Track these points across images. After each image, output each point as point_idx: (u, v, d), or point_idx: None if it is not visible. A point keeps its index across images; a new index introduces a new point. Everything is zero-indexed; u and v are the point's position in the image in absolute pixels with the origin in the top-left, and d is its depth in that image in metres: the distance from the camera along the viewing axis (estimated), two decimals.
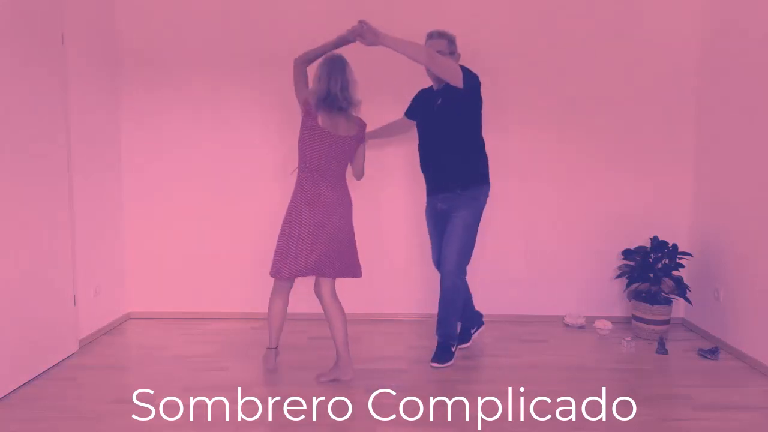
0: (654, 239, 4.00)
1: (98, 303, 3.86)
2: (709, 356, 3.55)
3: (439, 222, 3.46)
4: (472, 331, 3.75)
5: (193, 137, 4.16)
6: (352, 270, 3.22)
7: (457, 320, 3.48)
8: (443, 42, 3.26)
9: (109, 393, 3.01)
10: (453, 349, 3.45)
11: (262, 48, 4.09)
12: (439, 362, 3.38)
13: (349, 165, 3.18)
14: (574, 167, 4.17)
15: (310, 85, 3.10)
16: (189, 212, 4.21)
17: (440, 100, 3.29)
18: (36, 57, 3.18)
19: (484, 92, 4.04)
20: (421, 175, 3.52)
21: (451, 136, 3.29)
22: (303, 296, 4.28)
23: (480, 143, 3.39)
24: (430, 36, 3.29)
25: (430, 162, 3.41)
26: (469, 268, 4.21)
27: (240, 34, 4.09)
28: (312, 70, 3.13)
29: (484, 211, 4.18)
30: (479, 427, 2.67)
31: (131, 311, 4.30)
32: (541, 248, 4.23)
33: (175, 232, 4.23)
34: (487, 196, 3.43)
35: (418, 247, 4.17)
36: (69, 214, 3.48)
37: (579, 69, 4.09)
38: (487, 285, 4.24)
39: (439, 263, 3.52)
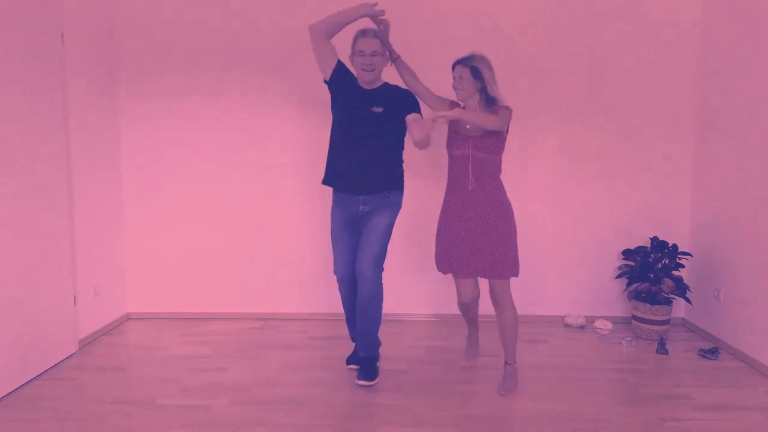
0: (654, 239, 4.00)
1: (98, 303, 3.86)
2: (709, 356, 3.55)
3: (355, 225, 3.19)
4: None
5: (193, 137, 4.16)
6: None
7: (377, 330, 3.23)
8: (378, 42, 3.07)
9: (109, 393, 3.01)
10: (378, 363, 3.28)
11: (262, 48, 4.09)
12: (366, 380, 3.12)
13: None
14: (573, 167, 4.16)
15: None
16: (189, 212, 4.21)
17: (381, 109, 3.07)
18: (36, 57, 3.18)
19: None
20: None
21: (384, 143, 3.12)
22: (304, 296, 4.29)
23: (402, 151, 3.25)
24: (364, 34, 3.08)
25: (358, 162, 3.11)
26: None
27: (240, 34, 4.09)
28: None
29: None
30: (479, 428, 2.67)
31: (131, 311, 4.30)
32: (541, 248, 4.23)
33: (175, 232, 4.23)
34: (401, 201, 3.28)
35: (416, 248, 4.16)
36: (69, 214, 3.48)
37: (579, 68, 4.09)
38: (488, 285, 4.23)
39: (349, 270, 3.22)
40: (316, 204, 4.11)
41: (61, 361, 3.42)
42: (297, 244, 4.22)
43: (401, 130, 3.18)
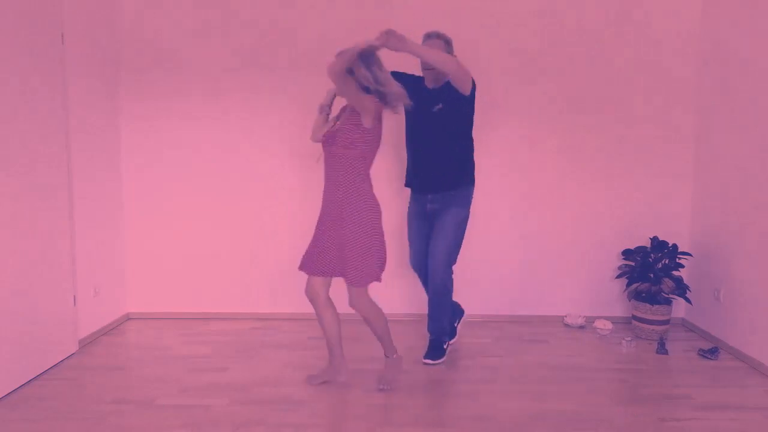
0: (654, 239, 4.00)
1: (98, 303, 3.86)
2: (709, 356, 3.55)
3: (425, 222, 3.44)
4: (455, 324, 3.74)
5: (193, 137, 4.16)
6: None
7: (448, 317, 3.50)
8: (440, 43, 3.23)
9: (109, 393, 3.01)
10: (445, 347, 3.48)
11: (262, 49, 4.09)
12: (432, 359, 3.41)
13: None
14: (574, 167, 4.17)
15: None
16: (189, 212, 4.21)
17: (441, 105, 3.25)
18: (36, 57, 3.18)
19: (483, 92, 4.04)
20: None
21: (448, 140, 3.31)
22: (304, 296, 4.28)
23: (472, 146, 3.43)
24: (428, 36, 3.25)
25: (424, 162, 3.38)
26: (469, 269, 4.23)
27: (240, 34, 4.09)
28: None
29: (485, 212, 4.21)
30: (479, 428, 2.67)
31: (131, 311, 4.30)
32: (541, 248, 4.23)
33: (175, 232, 4.23)
34: (472, 195, 3.47)
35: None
36: (69, 214, 3.48)
37: (579, 68, 4.09)
38: (488, 285, 4.24)
39: (419, 263, 3.53)
40: (316, 204, 4.09)
41: (61, 361, 3.42)
42: (297, 244, 4.21)
43: (463, 124, 3.32)
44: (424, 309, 4.26)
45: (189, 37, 4.09)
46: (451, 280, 3.43)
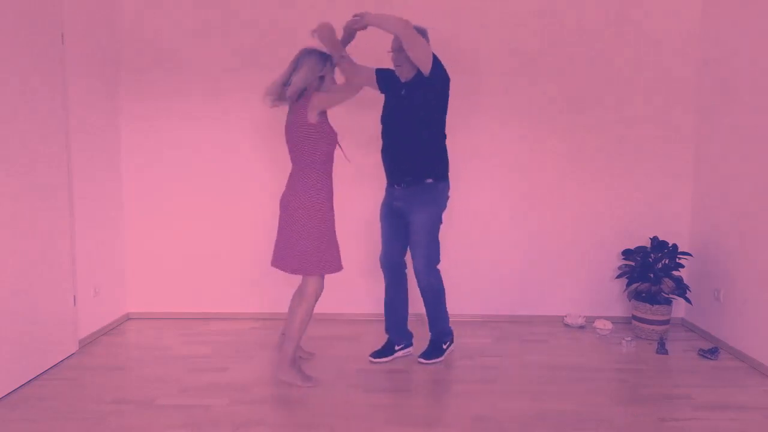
0: (654, 239, 4.00)
1: (98, 303, 3.86)
2: (709, 356, 3.55)
3: (394, 219, 3.37)
4: (396, 348, 3.50)
5: (193, 137, 4.16)
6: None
7: (445, 317, 3.47)
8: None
9: (109, 393, 3.01)
10: (444, 347, 3.47)
11: (262, 49, 4.09)
12: (425, 358, 3.41)
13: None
14: (574, 167, 4.17)
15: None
16: (189, 212, 4.21)
17: (404, 91, 3.23)
18: (36, 57, 3.18)
19: (483, 92, 4.04)
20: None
21: (411, 127, 3.21)
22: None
23: (440, 139, 3.30)
24: None
25: (391, 150, 3.31)
26: (470, 269, 4.23)
27: (240, 34, 4.09)
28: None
29: (485, 212, 4.21)
30: (479, 428, 2.67)
31: (131, 311, 4.30)
32: (541, 248, 4.23)
33: (175, 232, 4.23)
34: (446, 195, 3.35)
35: None
36: (69, 215, 3.48)
37: (579, 68, 4.09)
38: (488, 285, 4.24)
39: (386, 262, 3.44)
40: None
41: (61, 361, 3.42)
42: None
43: (427, 113, 3.23)
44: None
45: (189, 37, 4.09)
46: (438, 279, 3.39)
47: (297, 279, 3.24)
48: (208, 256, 4.24)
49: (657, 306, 3.84)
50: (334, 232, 3.11)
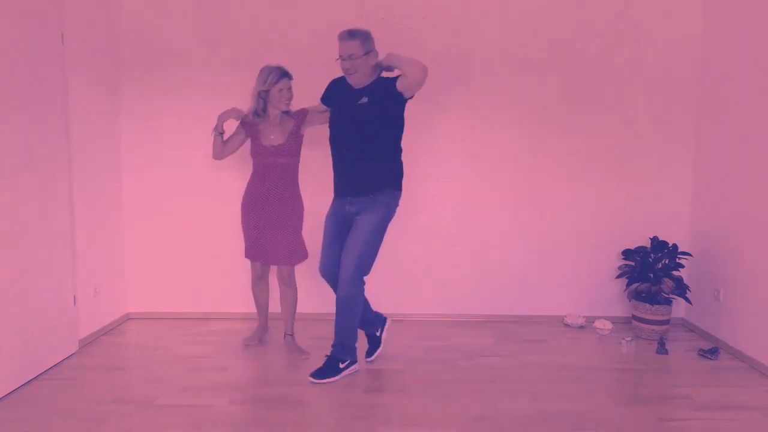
0: (654, 239, 4.00)
1: (98, 303, 3.86)
2: (709, 356, 3.55)
3: (343, 226, 3.19)
4: (378, 334, 3.48)
5: (194, 137, 4.15)
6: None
7: (354, 332, 3.22)
8: (356, 43, 3.01)
9: (109, 393, 3.01)
10: (342, 366, 3.17)
11: (262, 48, 4.08)
12: (317, 378, 3.10)
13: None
14: (574, 167, 4.17)
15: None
16: (189, 212, 4.21)
17: (366, 99, 3.06)
18: (36, 57, 3.18)
19: (484, 93, 4.04)
20: None
21: (371, 138, 3.09)
22: (304, 296, 4.28)
23: (398, 149, 3.20)
24: (341, 37, 3.04)
25: (345, 162, 3.16)
26: (470, 269, 4.23)
27: (240, 34, 4.09)
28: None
29: (487, 211, 4.21)
30: (479, 428, 2.67)
31: (131, 311, 4.30)
32: (541, 248, 4.23)
33: (175, 232, 4.23)
34: (397, 203, 3.22)
35: (418, 247, 4.17)
36: (69, 214, 3.48)
37: (579, 68, 4.09)
38: (488, 285, 4.24)
39: (328, 271, 3.26)
40: (316, 204, 4.10)
41: (61, 361, 3.42)
42: None
43: (391, 123, 3.12)
44: (429, 309, 4.28)
45: (189, 37, 4.09)
46: (361, 292, 3.15)
47: (300, 280, 3.24)
48: (208, 256, 4.24)
49: (657, 306, 3.84)
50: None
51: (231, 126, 3.52)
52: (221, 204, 4.20)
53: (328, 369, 3.15)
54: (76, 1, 3.58)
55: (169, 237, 4.23)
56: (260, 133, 3.44)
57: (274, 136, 3.41)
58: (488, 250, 4.22)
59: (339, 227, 3.22)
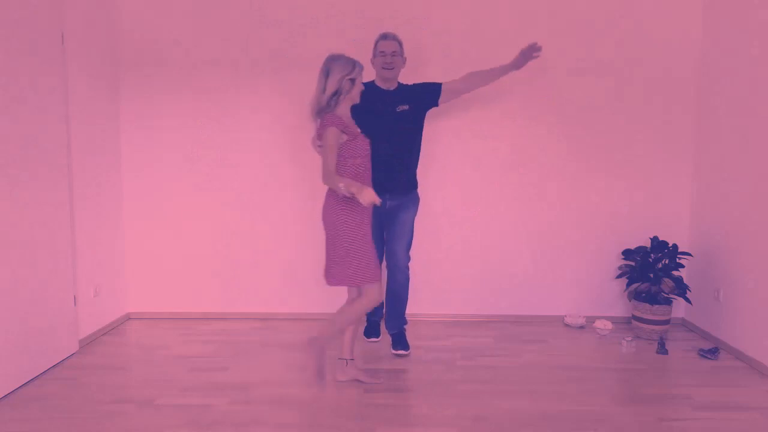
0: (654, 239, 4.00)
1: (98, 303, 3.86)
2: (709, 356, 3.55)
3: (383, 219, 3.48)
4: (381, 324, 3.85)
5: (194, 137, 4.16)
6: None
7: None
8: (396, 43, 3.38)
9: (109, 393, 3.01)
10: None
11: (262, 48, 4.09)
12: (404, 349, 3.55)
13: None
14: (574, 167, 4.17)
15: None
16: (189, 212, 4.21)
17: (407, 106, 3.38)
18: (36, 57, 3.18)
19: (484, 94, 4.04)
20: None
21: (411, 141, 3.46)
22: (304, 296, 4.29)
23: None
24: (385, 37, 3.37)
25: (388, 162, 3.34)
26: (470, 269, 4.24)
27: (240, 34, 4.09)
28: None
29: (487, 212, 4.23)
30: (479, 428, 2.67)
31: (131, 311, 4.30)
32: (541, 248, 4.23)
33: (175, 232, 4.23)
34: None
35: (418, 248, 4.17)
36: (69, 215, 3.48)
37: (579, 69, 4.09)
38: (488, 285, 4.24)
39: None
40: (316, 204, 4.10)
41: (62, 360, 3.42)
42: (297, 244, 4.22)
43: (422, 127, 3.50)
44: (429, 309, 4.29)
45: (189, 37, 4.09)
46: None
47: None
48: (208, 256, 4.24)
49: (657, 306, 3.84)
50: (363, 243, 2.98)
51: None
52: (221, 204, 4.21)
53: (405, 341, 3.60)
54: (76, 1, 3.58)
55: (169, 237, 4.23)
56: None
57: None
58: (488, 250, 4.22)
59: (380, 221, 3.49)
